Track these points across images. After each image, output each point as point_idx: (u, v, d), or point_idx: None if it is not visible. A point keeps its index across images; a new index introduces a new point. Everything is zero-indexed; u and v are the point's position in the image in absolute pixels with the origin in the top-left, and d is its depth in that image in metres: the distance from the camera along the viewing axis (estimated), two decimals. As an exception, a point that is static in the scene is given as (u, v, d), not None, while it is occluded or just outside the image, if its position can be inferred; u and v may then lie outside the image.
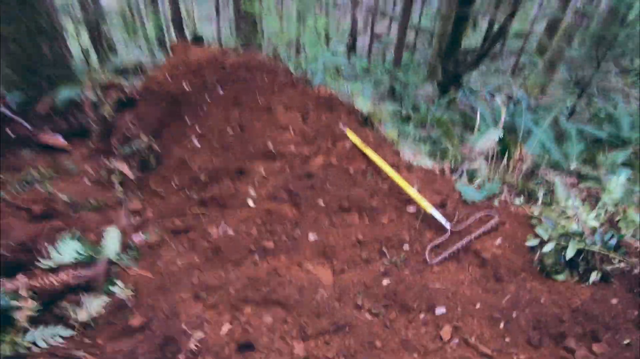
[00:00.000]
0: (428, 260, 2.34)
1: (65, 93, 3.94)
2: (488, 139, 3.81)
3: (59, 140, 3.67)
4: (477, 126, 5.11)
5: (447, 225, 2.43)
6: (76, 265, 2.35)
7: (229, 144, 3.40)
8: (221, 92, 3.69)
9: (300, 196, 2.98)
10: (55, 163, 3.42)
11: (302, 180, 3.12)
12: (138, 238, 2.83)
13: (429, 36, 19.37)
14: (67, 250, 2.47)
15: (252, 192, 3.08)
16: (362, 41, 18.83)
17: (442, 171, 3.97)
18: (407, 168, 3.36)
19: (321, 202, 2.91)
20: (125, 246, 2.72)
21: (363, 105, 4.18)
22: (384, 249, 2.54)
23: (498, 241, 2.37)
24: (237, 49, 4.60)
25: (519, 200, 2.94)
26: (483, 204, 2.81)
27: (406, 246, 2.52)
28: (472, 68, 10.45)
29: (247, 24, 7.83)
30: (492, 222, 2.40)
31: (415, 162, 3.92)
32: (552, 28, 13.78)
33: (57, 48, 4.04)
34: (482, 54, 10.09)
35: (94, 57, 11.63)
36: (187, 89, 3.61)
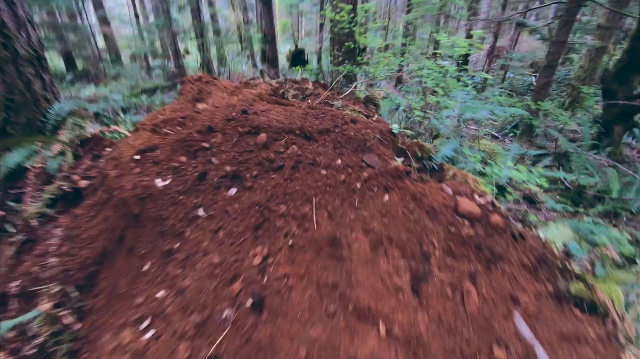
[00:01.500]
0: None
1: (14, 157, 2.26)
2: None
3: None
4: None
5: None
6: None
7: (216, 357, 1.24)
8: (232, 194, 1.57)
9: None
10: None
11: None
12: None
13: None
14: None
15: None
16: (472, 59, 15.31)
17: None
18: None
19: None
20: None
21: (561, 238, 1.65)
22: None
23: None
24: (303, 82, 2.47)
25: None
26: None
27: None
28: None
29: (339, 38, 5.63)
30: None
31: None
32: None
33: (16, 83, 2.38)
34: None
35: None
36: (164, 185, 1.56)
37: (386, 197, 1.64)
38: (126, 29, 15.23)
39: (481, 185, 1.98)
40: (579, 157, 4.46)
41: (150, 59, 14.03)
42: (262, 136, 1.75)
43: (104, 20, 13.16)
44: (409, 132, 2.43)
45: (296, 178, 1.64)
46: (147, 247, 1.48)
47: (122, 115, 5.25)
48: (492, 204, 1.67)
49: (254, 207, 1.55)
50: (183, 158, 1.65)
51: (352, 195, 1.63)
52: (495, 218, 1.57)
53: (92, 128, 2.57)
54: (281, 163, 1.68)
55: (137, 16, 14.23)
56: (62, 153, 2.32)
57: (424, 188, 1.72)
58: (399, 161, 1.85)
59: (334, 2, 3.26)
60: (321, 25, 15.09)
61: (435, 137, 3.75)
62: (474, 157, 2.10)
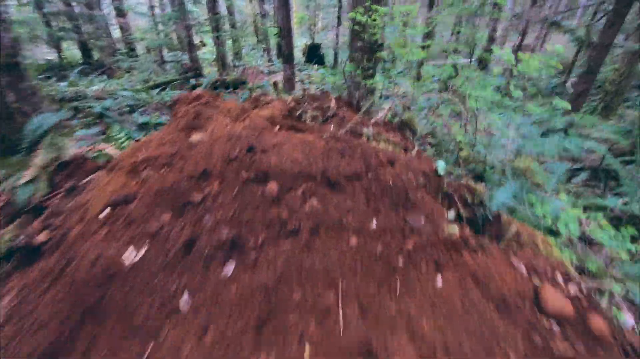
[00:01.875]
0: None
1: (-20, 183, 1.87)
2: None
3: None
4: None
5: None
6: None
7: None
8: (229, 272, 1.12)
9: None
10: None
11: None
12: None
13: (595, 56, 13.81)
14: None
15: None
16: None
17: None
18: None
19: None
20: None
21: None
22: None
23: None
24: (323, 98, 1.98)
25: None
26: None
27: None
28: None
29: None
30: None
31: None
32: None
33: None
34: None
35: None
36: (136, 259, 1.12)
37: (439, 280, 1.17)
38: (142, 21, 14.87)
39: (555, 249, 1.49)
40: (631, 178, 3.86)
41: (165, 51, 13.64)
42: (272, 186, 1.30)
43: (119, 11, 12.80)
44: (456, 170, 1.94)
45: (316, 249, 1.19)
46: (108, 350, 1.06)
47: (126, 116, 4.84)
48: (587, 295, 1.18)
49: (258, 293, 1.10)
50: (166, 217, 1.21)
51: (392, 277, 1.17)
52: (597, 322, 1.09)
53: (75, 147, 2.16)
54: (296, 226, 1.23)
55: (152, 7, 13.83)
56: (35, 180, 1.91)
57: (487, 263, 1.25)
58: (451, 219, 1.38)
59: (366, 3, 2.69)
60: (339, 17, 14.36)
61: (460, 149, 3.21)
62: (541, 206, 1.61)
